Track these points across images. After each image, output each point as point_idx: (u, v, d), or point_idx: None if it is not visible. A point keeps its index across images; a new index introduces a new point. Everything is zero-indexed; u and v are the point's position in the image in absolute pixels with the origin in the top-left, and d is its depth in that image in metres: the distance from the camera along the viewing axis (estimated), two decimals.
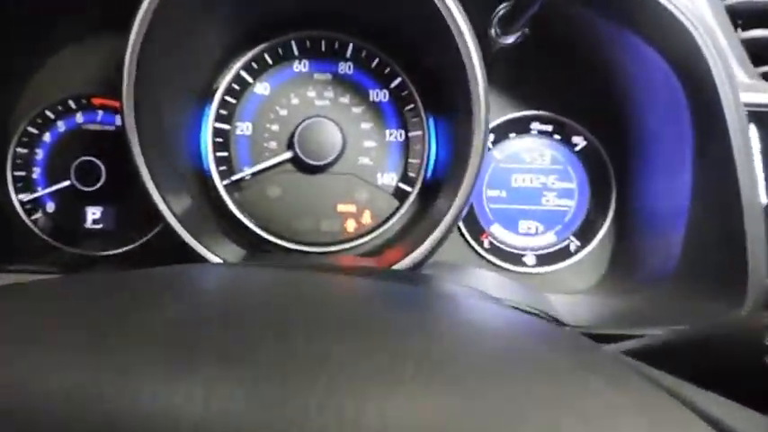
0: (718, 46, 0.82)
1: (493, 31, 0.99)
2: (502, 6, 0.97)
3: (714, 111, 0.82)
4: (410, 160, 1.20)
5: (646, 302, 0.95)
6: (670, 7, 0.81)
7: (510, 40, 0.99)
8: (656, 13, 0.82)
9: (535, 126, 1.23)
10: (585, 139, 1.22)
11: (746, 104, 0.81)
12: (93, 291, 0.45)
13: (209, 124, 1.18)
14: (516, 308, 0.89)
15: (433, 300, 0.51)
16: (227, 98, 1.19)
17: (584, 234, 1.24)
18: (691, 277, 0.92)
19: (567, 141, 1.23)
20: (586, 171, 1.24)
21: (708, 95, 0.82)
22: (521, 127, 1.24)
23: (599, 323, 0.92)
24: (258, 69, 1.19)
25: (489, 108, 0.93)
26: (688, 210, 0.93)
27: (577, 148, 1.23)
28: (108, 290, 0.46)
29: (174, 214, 0.95)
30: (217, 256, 0.98)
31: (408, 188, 1.20)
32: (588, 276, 1.24)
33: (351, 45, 1.19)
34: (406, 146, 1.20)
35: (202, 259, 0.98)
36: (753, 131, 0.87)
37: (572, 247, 1.25)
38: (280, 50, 1.19)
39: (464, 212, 0.98)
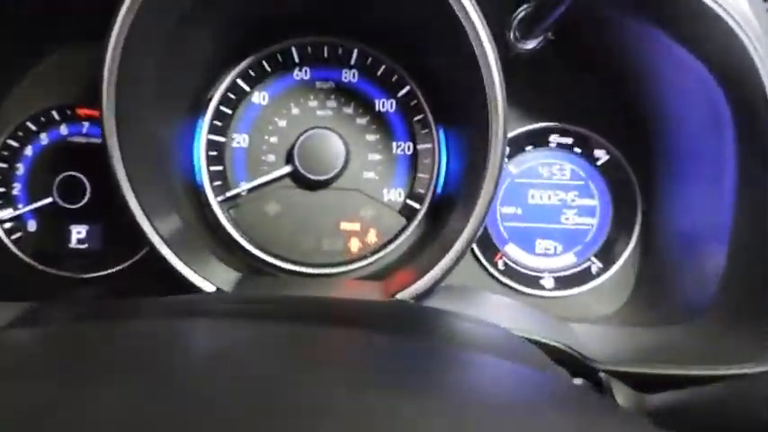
0: (766, 50, 0.73)
1: (512, 34, 0.91)
2: (522, 8, 0.89)
3: (763, 125, 0.73)
4: (419, 175, 1.12)
5: (677, 336, 0.86)
6: (715, 7, 0.72)
7: (530, 45, 0.91)
8: (700, 14, 0.74)
9: (554, 138, 1.15)
10: (608, 152, 1.13)
11: None
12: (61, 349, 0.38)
13: (202, 136, 1.10)
14: (537, 341, 0.80)
15: (444, 364, 0.43)
16: (222, 108, 1.10)
17: (607, 255, 1.15)
18: (729, 310, 0.83)
19: (588, 155, 1.14)
20: (609, 187, 1.15)
21: (756, 108, 0.73)
22: (538, 139, 1.15)
23: (625, 359, 0.83)
24: (255, 77, 1.11)
25: (508, 119, 0.84)
26: (728, 234, 0.83)
27: (600, 163, 1.14)
28: (76, 348, 0.39)
29: (161, 236, 0.86)
30: (208, 281, 0.90)
31: (417, 205, 1.12)
32: (611, 301, 1.15)
33: (355, 51, 1.10)
34: (415, 159, 1.12)
35: (192, 286, 0.89)
36: None
37: (593, 270, 1.15)
38: (279, 57, 1.11)
39: (479, 234, 0.89)
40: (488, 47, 0.79)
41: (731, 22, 0.73)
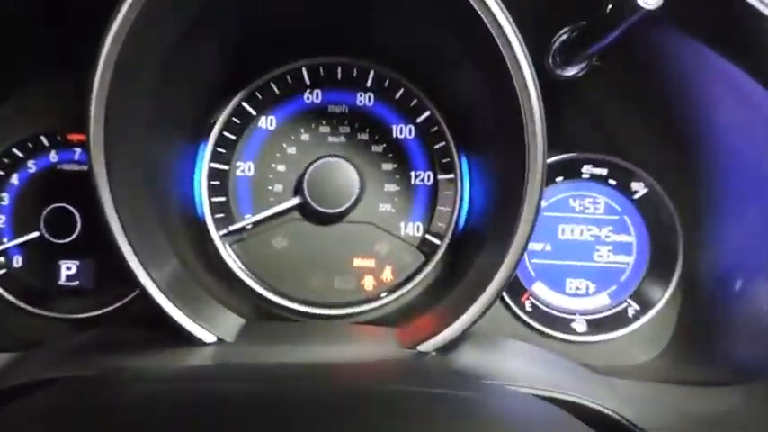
0: None
1: (550, 59, 0.82)
2: (564, 31, 0.80)
3: None
4: (439, 208, 1.04)
5: (735, 400, 0.76)
6: None
7: (572, 72, 0.81)
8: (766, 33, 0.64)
9: (587, 169, 1.05)
10: (647, 185, 1.04)
11: None
12: None
13: (204, 164, 1.02)
14: (585, 407, 0.70)
15: None
16: (226, 134, 1.03)
17: (644, 297, 1.05)
18: None
19: (624, 188, 1.05)
20: (647, 223, 1.05)
21: None
22: (570, 170, 1.06)
23: (677, 426, 0.73)
24: (262, 101, 1.03)
25: (546, 148, 0.74)
26: None
27: (637, 196, 1.05)
28: None
29: (154, 279, 0.77)
30: (208, 330, 0.80)
31: (437, 241, 1.03)
32: (648, 348, 1.05)
33: (371, 73, 1.03)
34: (435, 191, 1.04)
35: (190, 335, 0.79)
36: None
37: (630, 313, 1.05)
38: (288, 79, 1.03)
39: (514, 274, 0.79)
40: (528, 74, 0.70)
41: None
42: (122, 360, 0.73)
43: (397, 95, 1.02)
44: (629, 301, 1.06)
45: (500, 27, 0.69)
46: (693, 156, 0.94)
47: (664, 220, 1.04)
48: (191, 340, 0.79)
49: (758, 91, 0.71)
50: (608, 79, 0.87)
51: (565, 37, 0.81)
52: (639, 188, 1.05)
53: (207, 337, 0.80)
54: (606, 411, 0.71)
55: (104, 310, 1.00)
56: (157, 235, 0.84)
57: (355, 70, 1.02)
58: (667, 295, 1.04)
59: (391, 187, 1.03)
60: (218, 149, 1.02)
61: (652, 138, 0.99)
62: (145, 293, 0.77)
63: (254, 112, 1.02)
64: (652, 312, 1.04)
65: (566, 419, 0.59)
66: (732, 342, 0.89)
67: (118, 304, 1.00)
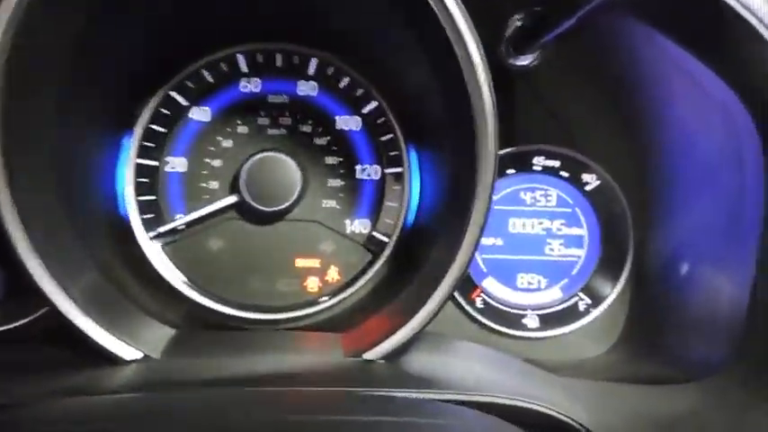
0: None
1: (503, 48, 0.77)
2: (517, 17, 0.75)
3: None
4: (387, 203, 0.99)
5: (690, 399, 0.74)
6: (752, 20, 0.60)
7: (525, 61, 0.77)
8: (731, 28, 0.62)
9: (539, 161, 1.02)
10: (599, 177, 1.02)
11: None
12: None
13: (129, 160, 0.93)
14: (535, 411, 0.67)
15: None
16: (155, 127, 0.94)
17: (596, 291, 1.04)
18: (754, 370, 0.71)
19: (576, 180, 1.03)
20: (598, 215, 1.03)
21: None
22: (522, 162, 1.03)
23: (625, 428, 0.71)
24: (195, 90, 0.95)
25: (497, 138, 0.70)
26: (752, 279, 0.72)
27: (589, 188, 1.03)
28: None
29: (67, 292, 0.68)
30: (130, 344, 0.72)
31: (384, 238, 0.98)
32: (600, 342, 1.04)
33: (313, 60, 0.96)
34: (382, 185, 0.99)
35: (109, 353, 0.71)
36: None
37: (581, 306, 1.04)
38: (223, 66, 0.95)
39: (467, 271, 0.75)
40: (479, 62, 0.66)
41: (763, 31, 0.61)
42: (27, 386, 0.64)
43: (342, 84, 0.97)
44: (580, 294, 1.04)
45: (448, 12, 0.64)
46: (646, 147, 0.92)
47: (615, 212, 1.03)
48: (111, 359, 0.72)
49: (713, 81, 0.69)
50: (562, 69, 0.83)
51: (518, 24, 0.77)
52: (591, 180, 1.02)
53: (130, 354, 0.73)
54: (558, 416, 0.68)
55: (11, 325, 0.89)
56: (73, 242, 0.76)
57: (296, 57, 0.96)
58: (618, 288, 1.03)
59: (335, 182, 0.98)
60: (146, 144, 0.94)
61: (605, 129, 0.97)
62: (56, 311, 0.68)
63: (185, 103, 0.94)
64: (603, 306, 1.03)
65: None
66: (684, 337, 0.88)
67: (27, 319, 0.89)
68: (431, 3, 0.64)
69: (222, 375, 0.71)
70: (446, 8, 0.63)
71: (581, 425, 0.69)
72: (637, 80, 0.82)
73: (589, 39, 0.78)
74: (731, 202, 0.77)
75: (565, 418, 0.69)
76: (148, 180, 0.94)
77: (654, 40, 0.70)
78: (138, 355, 0.73)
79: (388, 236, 0.98)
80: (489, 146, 0.69)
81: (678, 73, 0.74)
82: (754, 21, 0.60)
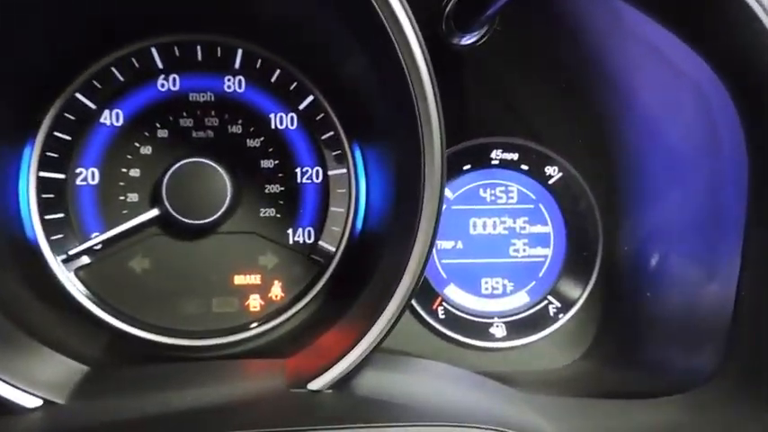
0: None
1: (444, 26, 0.68)
2: None
3: None
4: (332, 209, 0.91)
5: (674, 414, 0.67)
6: None
7: (469, 39, 0.69)
8: (722, 6, 0.54)
9: (497, 154, 0.96)
10: (561, 169, 0.95)
11: None
12: None
13: (30, 173, 0.82)
14: None
15: None
16: (59, 134, 0.84)
17: (565, 292, 0.96)
18: (744, 380, 0.64)
19: (538, 173, 0.96)
20: (563, 210, 0.97)
21: None
22: (478, 156, 0.96)
23: None
24: (103, 91, 0.85)
25: (443, 127, 0.62)
26: (737, 279, 0.65)
27: (552, 182, 0.96)
28: None
29: None
30: (27, 391, 0.62)
31: (330, 247, 0.90)
32: (571, 349, 0.97)
33: (239, 52, 0.87)
34: (326, 189, 0.91)
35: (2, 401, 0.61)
36: None
37: (551, 311, 0.96)
38: (135, 62, 0.86)
39: (421, 279, 0.66)
40: (413, 40, 0.57)
41: (761, 14, 0.53)
42: None
43: (273, 78, 0.88)
44: (549, 298, 0.97)
45: None
46: (612, 135, 0.86)
47: (581, 206, 0.96)
48: (7, 408, 0.61)
49: (686, 58, 0.61)
50: (513, 48, 0.75)
51: None
52: (554, 173, 0.96)
53: (29, 400, 0.62)
54: None
55: None
56: None
57: (219, 49, 0.87)
58: (588, 289, 0.96)
59: (273, 188, 0.89)
60: (49, 154, 0.84)
61: (565, 116, 0.90)
62: None
63: (93, 106, 0.85)
64: (574, 309, 0.96)
65: None
66: (662, 343, 0.82)
67: None
68: None
69: (143, 418, 0.61)
70: None
71: None
72: (599, 62, 0.75)
73: (540, 13, 0.70)
74: (708, 193, 0.70)
75: None
76: (55, 195, 0.84)
77: (615, 12, 0.62)
78: (38, 402, 0.62)
79: (335, 245, 0.90)
80: (435, 136, 0.61)
81: (646, 51, 0.67)
82: None
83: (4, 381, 0.61)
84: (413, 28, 0.57)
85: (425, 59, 0.58)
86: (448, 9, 0.71)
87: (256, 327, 0.87)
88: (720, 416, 0.63)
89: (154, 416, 0.62)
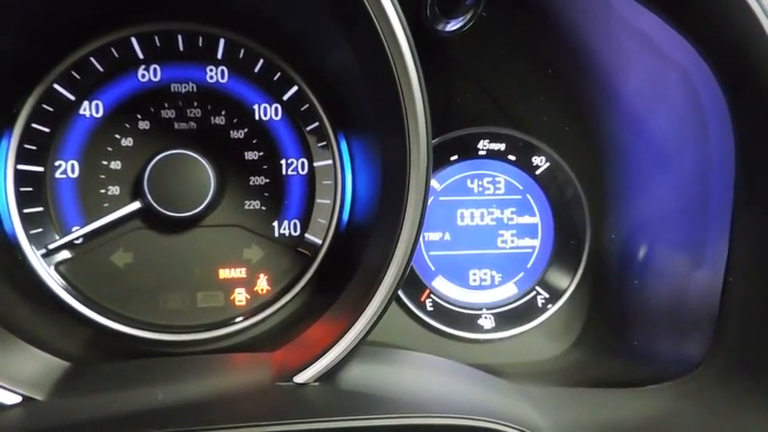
0: None
1: (428, 12, 0.67)
2: None
3: None
4: (318, 200, 0.89)
5: (663, 402, 0.66)
6: None
7: (454, 25, 0.68)
8: None
9: (484, 145, 0.95)
10: (549, 159, 0.94)
11: None
12: None
13: (8, 166, 0.80)
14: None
15: None
16: (37, 126, 0.82)
17: (553, 283, 0.96)
18: (732, 367, 0.64)
19: (525, 163, 0.96)
20: (551, 200, 0.96)
21: None
22: (465, 147, 0.95)
23: None
24: (82, 82, 0.83)
25: (429, 117, 0.61)
26: (725, 267, 0.65)
27: (539, 172, 0.95)
28: None
29: None
30: (8, 385, 0.61)
31: (317, 240, 0.89)
32: (559, 340, 0.96)
33: (222, 42, 0.85)
34: (312, 181, 0.89)
35: None
36: None
37: (539, 302, 0.96)
38: (114, 52, 0.84)
39: (408, 269, 0.66)
40: (397, 27, 0.56)
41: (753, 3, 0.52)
42: None
43: (256, 68, 0.86)
44: (537, 288, 0.96)
45: None
46: (598, 122, 0.85)
47: (568, 196, 0.96)
48: None
49: (673, 43, 0.61)
50: (499, 35, 0.74)
51: None
52: (541, 163, 0.95)
53: (7, 397, 0.61)
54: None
55: None
56: None
57: (201, 39, 0.85)
58: (577, 279, 0.96)
59: (258, 180, 0.87)
60: (27, 146, 0.81)
61: (552, 104, 0.89)
62: None
63: (72, 97, 0.82)
64: (562, 300, 0.96)
65: None
66: (650, 331, 0.82)
67: None
68: None
69: (125, 414, 0.60)
70: None
71: None
72: (586, 48, 0.75)
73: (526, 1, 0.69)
74: (695, 181, 0.69)
75: None
76: (33, 189, 0.81)
77: (608, 3, 0.61)
78: (17, 399, 0.61)
79: (322, 237, 0.88)
80: (420, 127, 0.60)
81: (633, 38, 0.66)
82: None
83: None
84: (397, 14, 0.56)
85: (411, 47, 0.57)
86: None
87: (242, 321, 0.86)
88: (707, 403, 0.63)
89: (136, 411, 0.61)
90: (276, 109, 0.87)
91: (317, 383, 0.66)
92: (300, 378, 0.66)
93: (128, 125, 0.83)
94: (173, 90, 0.84)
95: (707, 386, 0.64)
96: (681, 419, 0.62)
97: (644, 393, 0.68)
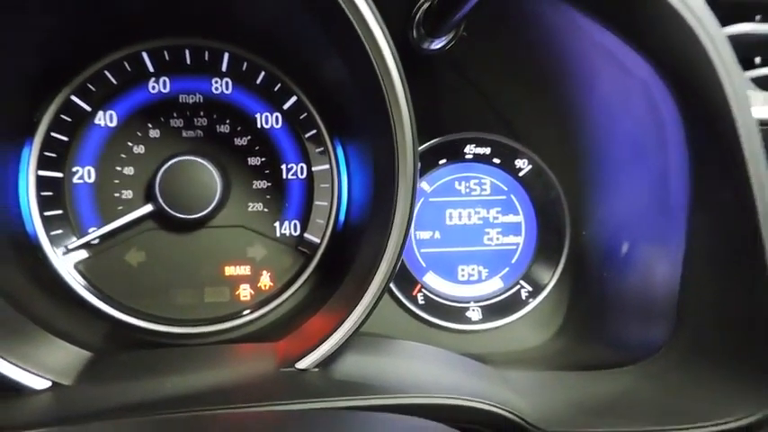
0: (719, 45, 0.60)
1: (415, 32, 0.74)
2: (424, 0, 0.72)
3: (720, 131, 0.61)
4: (316, 202, 0.94)
5: (627, 382, 0.73)
6: (674, 2, 0.58)
7: (438, 44, 0.74)
8: (645, 3, 0.60)
9: (470, 149, 1.00)
10: (531, 161, 1.00)
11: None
12: None
13: (30, 172, 0.86)
14: (476, 409, 0.65)
15: None
16: (56, 135, 0.87)
17: (536, 278, 1.02)
18: (689, 349, 0.71)
19: (509, 166, 1.01)
20: (533, 200, 1.02)
21: (711, 109, 0.61)
22: (452, 151, 1.00)
23: (572, 418, 0.69)
24: (97, 93, 0.88)
25: (415, 126, 0.67)
26: (683, 258, 0.71)
27: (522, 174, 1.01)
28: None
29: None
30: (36, 373, 0.67)
31: (316, 239, 0.94)
32: (543, 330, 1.02)
33: (226, 56, 0.91)
34: (310, 184, 0.94)
35: (13, 383, 0.66)
36: None
37: (523, 295, 1.02)
38: (126, 66, 0.89)
39: (398, 265, 0.72)
40: (384, 45, 0.62)
41: (675, 3, 0.59)
42: None
43: (258, 80, 0.92)
44: (521, 282, 1.03)
45: (355, 6, 0.60)
46: (574, 130, 0.91)
47: (550, 196, 1.02)
48: (16, 389, 0.67)
49: (634, 59, 0.67)
50: (480, 52, 0.80)
51: (426, 6, 0.74)
52: (524, 165, 1.01)
53: (38, 382, 0.67)
54: (496, 410, 0.66)
55: None
56: None
57: (207, 53, 0.90)
58: (558, 273, 1.02)
59: (260, 184, 0.93)
60: (47, 154, 0.86)
61: (532, 112, 0.95)
62: None
63: (88, 108, 0.88)
64: (544, 293, 1.02)
65: None
66: (622, 320, 0.88)
67: None
68: None
69: (145, 398, 0.66)
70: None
71: (521, 417, 0.67)
72: (559, 62, 0.80)
73: (504, 20, 0.76)
74: (658, 182, 0.76)
75: (503, 412, 0.67)
76: (54, 193, 0.87)
77: (575, 21, 0.67)
78: (46, 384, 0.68)
79: (320, 237, 0.94)
80: (407, 136, 0.66)
81: (600, 53, 0.72)
82: None
83: (15, 365, 0.66)
84: (385, 38, 0.62)
85: (397, 66, 0.63)
86: (418, 17, 0.76)
87: (247, 314, 0.91)
88: (668, 383, 0.70)
89: (155, 395, 0.67)
90: (277, 118, 0.92)
91: (316, 369, 0.73)
92: (302, 364, 0.73)
93: (139, 133, 0.89)
94: (181, 101, 0.90)
95: (668, 367, 0.71)
96: (644, 397, 0.69)
97: (613, 375, 0.74)
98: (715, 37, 0.60)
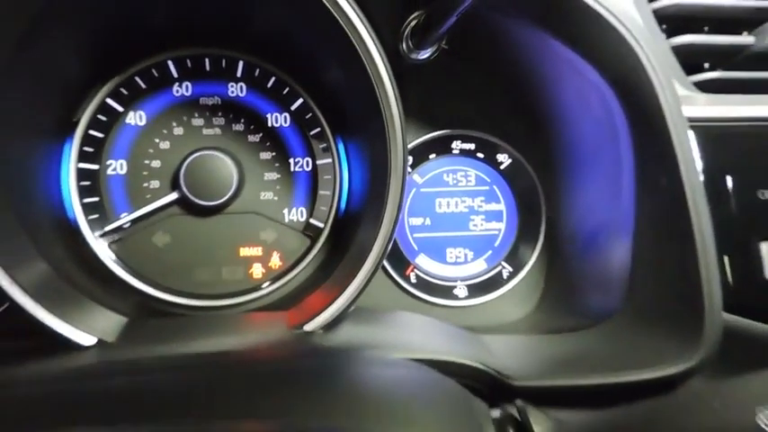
0: (655, 55, 0.72)
1: (404, 45, 0.86)
2: (412, 17, 0.84)
3: (656, 128, 0.73)
4: (320, 192, 1.05)
5: (588, 342, 0.85)
6: (602, 12, 0.71)
7: (424, 55, 0.86)
8: (588, 20, 0.72)
9: (457, 145, 1.12)
10: (511, 156, 1.12)
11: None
12: None
13: (71, 164, 0.97)
14: (453, 363, 0.77)
15: None
16: (93, 132, 0.98)
17: (516, 259, 1.14)
18: (637, 312, 0.83)
19: (491, 160, 1.13)
20: (513, 190, 1.14)
21: (648, 110, 0.73)
22: (441, 147, 1.12)
23: (540, 371, 0.81)
24: (129, 96, 0.99)
25: (404, 125, 0.79)
26: (632, 236, 0.83)
27: (503, 167, 1.13)
28: None
29: (21, 285, 0.74)
30: (84, 331, 0.78)
31: (320, 224, 1.05)
32: (522, 306, 1.14)
33: (241, 63, 1.02)
34: (315, 176, 1.05)
35: (66, 340, 0.78)
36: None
37: (504, 274, 1.14)
38: (154, 72, 1.00)
39: (389, 247, 0.84)
40: (377, 56, 0.74)
41: (613, 21, 0.71)
42: None
43: (269, 84, 1.02)
44: (503, 263, 1.14)
45: (347, 17, 0.72)
46: (545, 127, 1.02)
47: (527, 187, 1.13)
48: (68, 345, 0.77)
49: (587, 66, 0.80)
50: (461, 61, 0.92)
51: (414, 23, 0.86)
52: (504, 159, 1.13)
53: (86, 339, 0.78)
54: (475, 365, 0.78)
55: None
56: (24, 240, 0.81)
57: (224, 61, 1.01)
58: (535, 255, 1.13)
59: (271, 175, 1.03)
60: (86, 149, 0.98)
61: (509, 113, 1.07)
62: (11, 301, 0.74)
63: (120, 109, 0.99)
64: (523, 273, 1.13)
65: (437, 378, 0.64)
66: (588, 292, 0.99)
67: None
68: (336, 16, 0.72)
69: (178, 353, 0.77)
70: (349, 21, 0.72)
71: (495, 371, 0.79)
72: (529, 70, 0.92)
73: (478, 35, 0.88)
74: (612, 172, 0.87)
75: (480, 366, 0.78)
76: (91, 183, 0.98)
77: (537, 34, 0.79)
78: (93, 340, 0.78)
79: (324, 222, 1.04)
80: (398, 134, 0.78)
81: (562, 62, 0.84)
82: (609, 16, 0.71)
83: (69, 323, 0.78)
84: (379, 51, 0.74)
85: (389, 74, 0.75)
86: (406, 32, 0.88)
87: (259, 290, 1.02)
88: (622, 340, 0.82)
89: (187, 352, 0.78)
90: (285, 117, 1.03)
91: (321, 331, 0.85)
92: (309, 327, 0.84)
93: (165, 131, 1.00)
94: (201, 103, 1.01)
95: (621, 328, 0.83)
96: (602, 352, 0.81)
97: (576, 336, 0.86)
98: (650, 47, 0.72)
